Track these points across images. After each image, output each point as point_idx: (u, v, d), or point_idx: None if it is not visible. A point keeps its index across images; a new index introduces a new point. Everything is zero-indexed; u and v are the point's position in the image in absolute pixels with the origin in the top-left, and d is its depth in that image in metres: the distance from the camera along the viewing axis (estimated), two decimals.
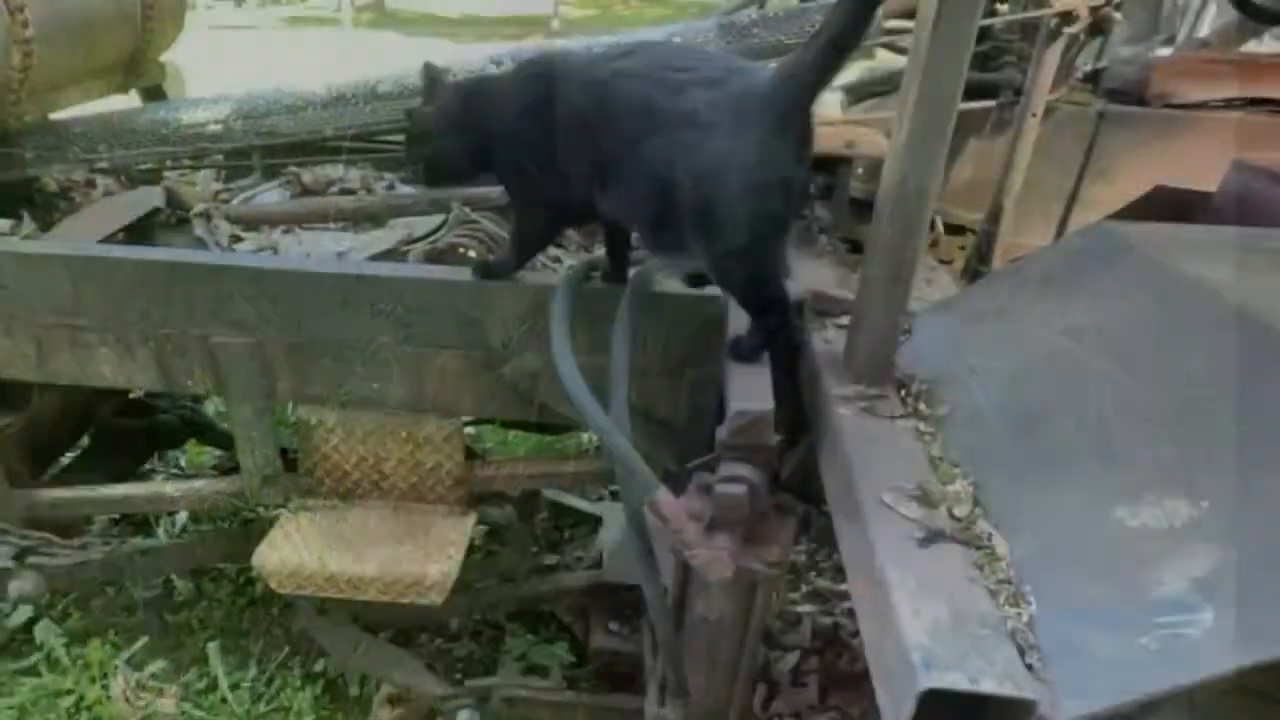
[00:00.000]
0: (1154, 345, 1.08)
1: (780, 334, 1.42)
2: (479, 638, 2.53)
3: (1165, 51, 2.33)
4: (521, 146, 1.45)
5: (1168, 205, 1.37)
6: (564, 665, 2.39)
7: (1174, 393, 1.00)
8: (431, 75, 1.53)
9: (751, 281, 1.35)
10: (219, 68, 4.60)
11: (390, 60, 2.07)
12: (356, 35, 14.53)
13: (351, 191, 2.23)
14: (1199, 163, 1.75)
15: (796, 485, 1.68)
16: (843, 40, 1.17)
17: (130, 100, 2.49)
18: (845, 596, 2.62)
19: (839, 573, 2.71)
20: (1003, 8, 1.96)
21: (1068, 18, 1.58)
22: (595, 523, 2.72)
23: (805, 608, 2.57)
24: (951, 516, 1.04)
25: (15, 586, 2.05)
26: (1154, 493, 0.92)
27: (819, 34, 1.19)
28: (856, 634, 2.43)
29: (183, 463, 3.17)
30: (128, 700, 2.28)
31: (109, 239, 2.01)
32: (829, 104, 1.89)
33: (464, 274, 1.75)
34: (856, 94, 2.15)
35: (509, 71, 1.54)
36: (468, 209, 2.02)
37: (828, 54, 1.17)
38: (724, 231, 1.27)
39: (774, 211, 1.27)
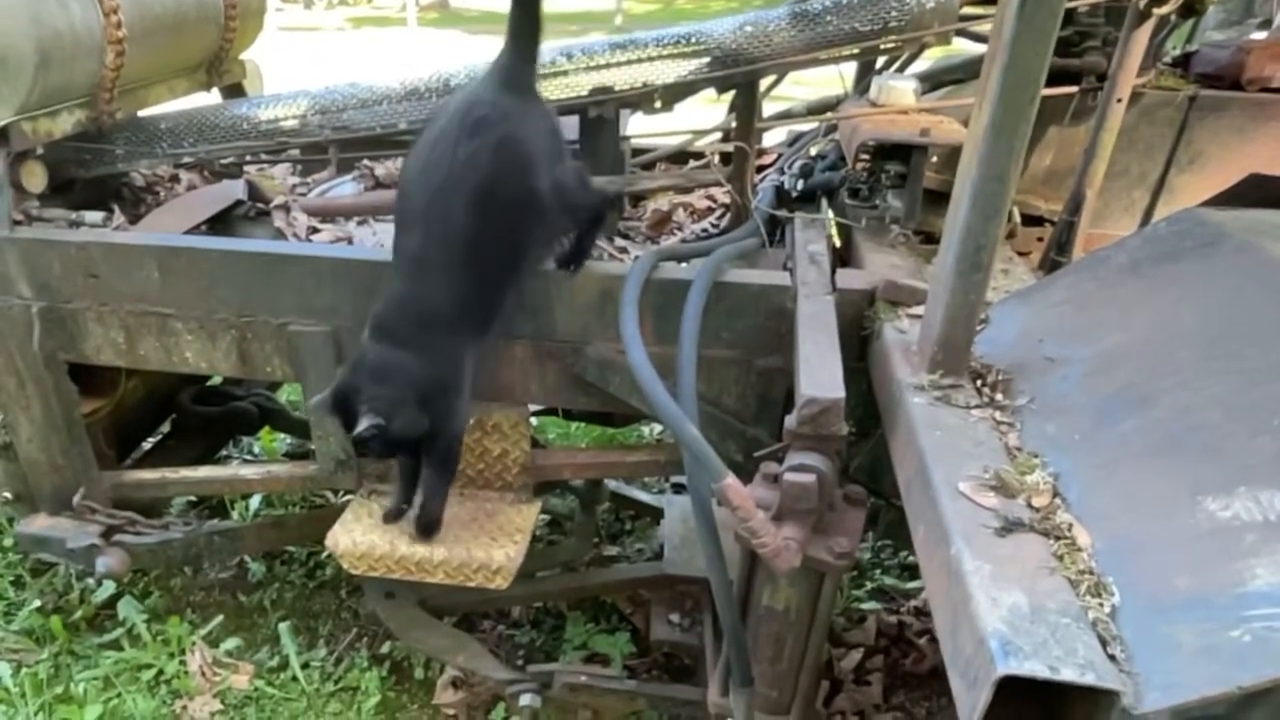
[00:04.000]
0: (1249, 335, 1.04)
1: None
2: (540, 626, 2.56)
3: (1260, 35, 2.23)
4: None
5: (1262, 194, 1.32)
6: (624, 655, 2.40)
7: (1271, 384, 0.96)
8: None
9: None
10: (290, 67, 4.73)
11: (455, 58, 2.10)
12: (421, 34, 14.78)
13: None
14: None
15: (865, 479, 1.66)
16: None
17: (212, 97, 2.58)
18: (911, 595, 2.59)
19: (905, 571, 2.67)
20: None
21: None
22: (657, 515, 2.72)
23: (870, 605, 2.54)
24: (1030, 506, 1.02)
25: (102, 563, 2.14)
26: (1248, 485, 0.89)
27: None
28: (922, 633, 2.40)
29: (257, 449, 3.27)
30: (204, 675, 2.37)
31: (193, 230, 2.08)
32: (903, 92, 1.86)
33: None
34: (932, 82, 2.12)
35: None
36: None
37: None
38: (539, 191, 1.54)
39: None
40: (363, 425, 1.49)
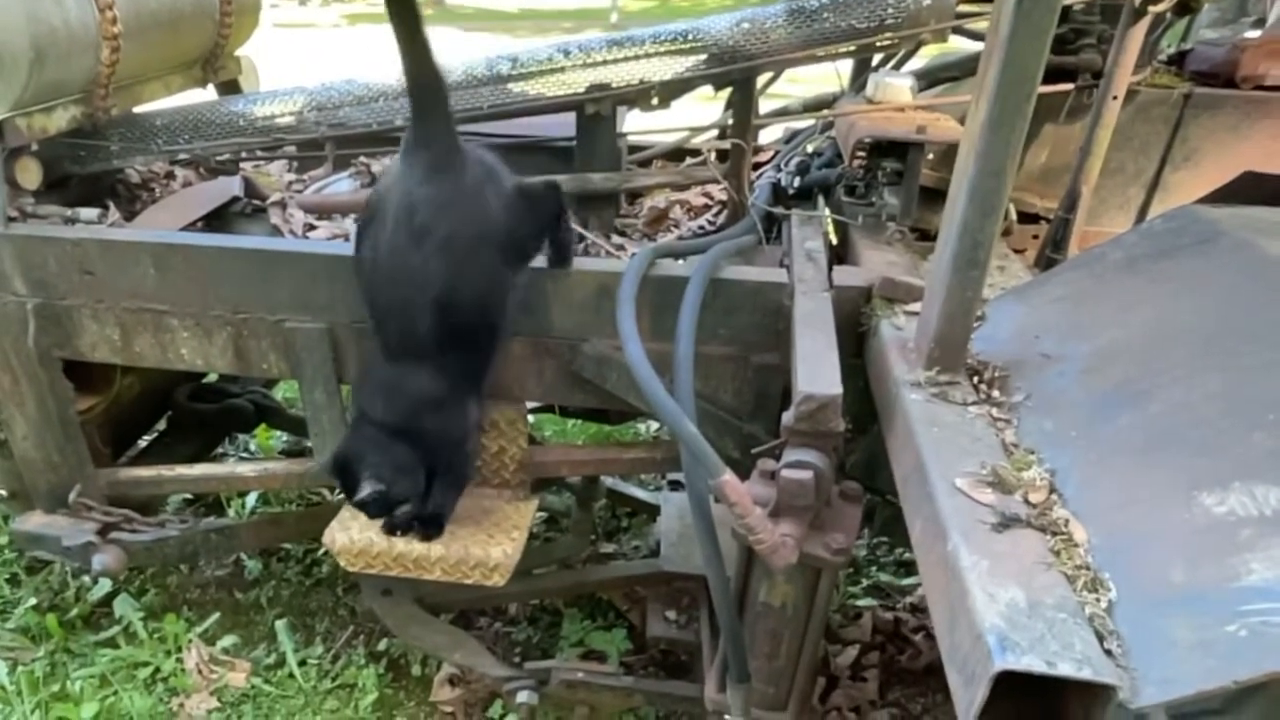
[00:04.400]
0: (1245, 331, 1.05)
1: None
2: (537, 623, 2.56)
3: (1255, 33, 2.24)
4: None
5: (1257, 191, 1.32)
6: (621, 652, 2.41)
7: (1267, 379, 0.97)
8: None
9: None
10: (285, 64, 4.71)
11: (450, 55, 2.10)
12: None
13: None
14: None
15: (861, 476, 1.67)
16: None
17: (208, 94, 2.57)
18: (907, 592, 2.60)
19: (901, 567, 2.68)
20: None
21: None
22: (653, 513, 2.73)
23: (866, 602, 2.55)
24: (1027, 502, 1.02)
25: (98, 560, 2.13)
26: (1244, 480, 0.89)
27: None
28: (918, 630, 2.41)
29: (252, 446, 3.27)
30: (201, 673, 2.37)
31: (189, 227, 2.08)
32: (900, 89, 1.86)
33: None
34: (928, 79, 2.12)
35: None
36: None
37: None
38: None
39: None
40: (365, 491, 1.58)
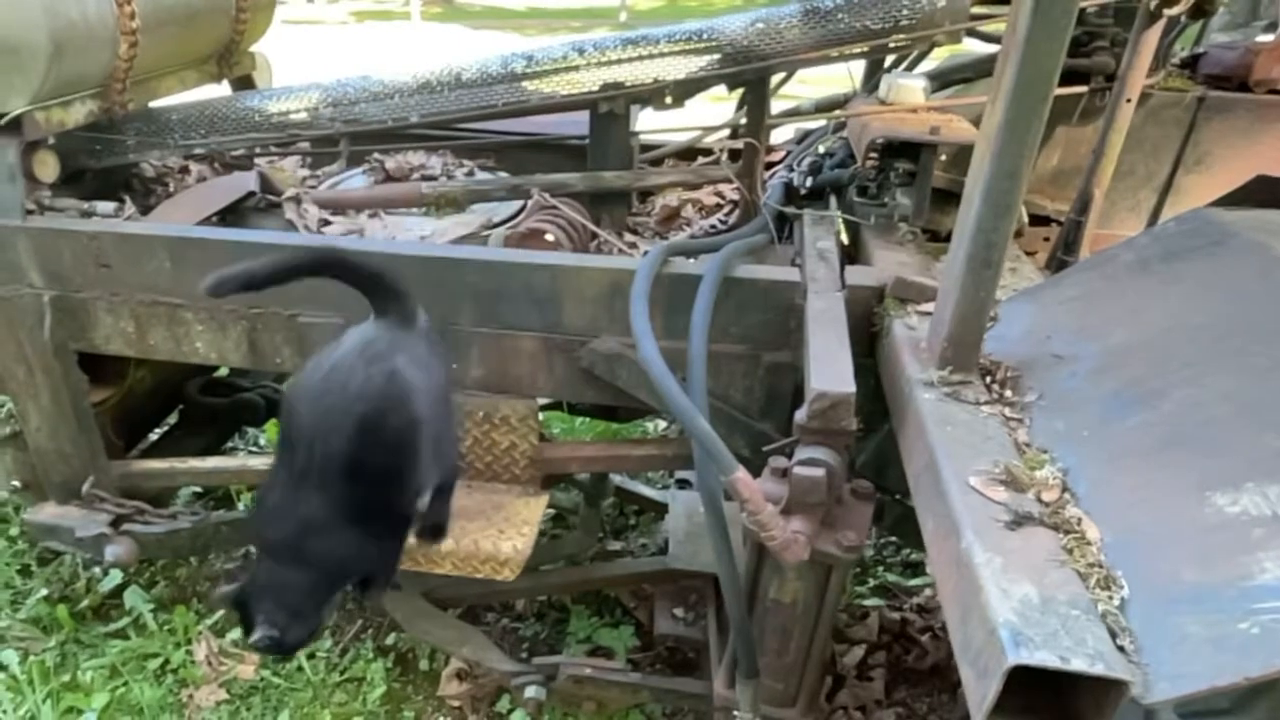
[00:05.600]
0: (1257, 332, 1.05)
1: None
2: (544, 619, 2.57)
3: (1267, 37, 2.24)
4: None
5: (1269, 195, 1.33)
6: (628, 649, 2.42)
7: (1279, 380, 0.98)
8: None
9: None
10: (293, 61, 4.73)
11: (459, 52, 2.11)
12: (424, 29, 14.77)
13: (433, 177, 2.29)
14: None
15: (870, 475, 1.67)
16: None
17: (222, 89, 2.59)
18: (913, 592, 2.60)
19: (908, 568, 2.69)
20: None
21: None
22: (661, 510, 2.74)
23: (873, 602, 2.56)
24: (1040, 501, 1.03)
25: (110, 551, 2.15)
26: (1257, 480, 0.90)
27: None
28: (924, 630, 2.42)
29: (262, 441, 3.28)
30: (210, 665, 2.38)
31: (204, 222, 2.09)
32: (913, 90, 1.87)
33: (543, 257, 1.78)
34: (941, 81, 2.12)
35: None
36: (547, 195, 2.05)
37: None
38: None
39: None
40: (258, 635, 1.56)
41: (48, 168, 2.00)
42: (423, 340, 1.59)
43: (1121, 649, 0.84)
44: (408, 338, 1.55)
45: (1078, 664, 0.81)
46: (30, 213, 1.93)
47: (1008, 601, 0.88)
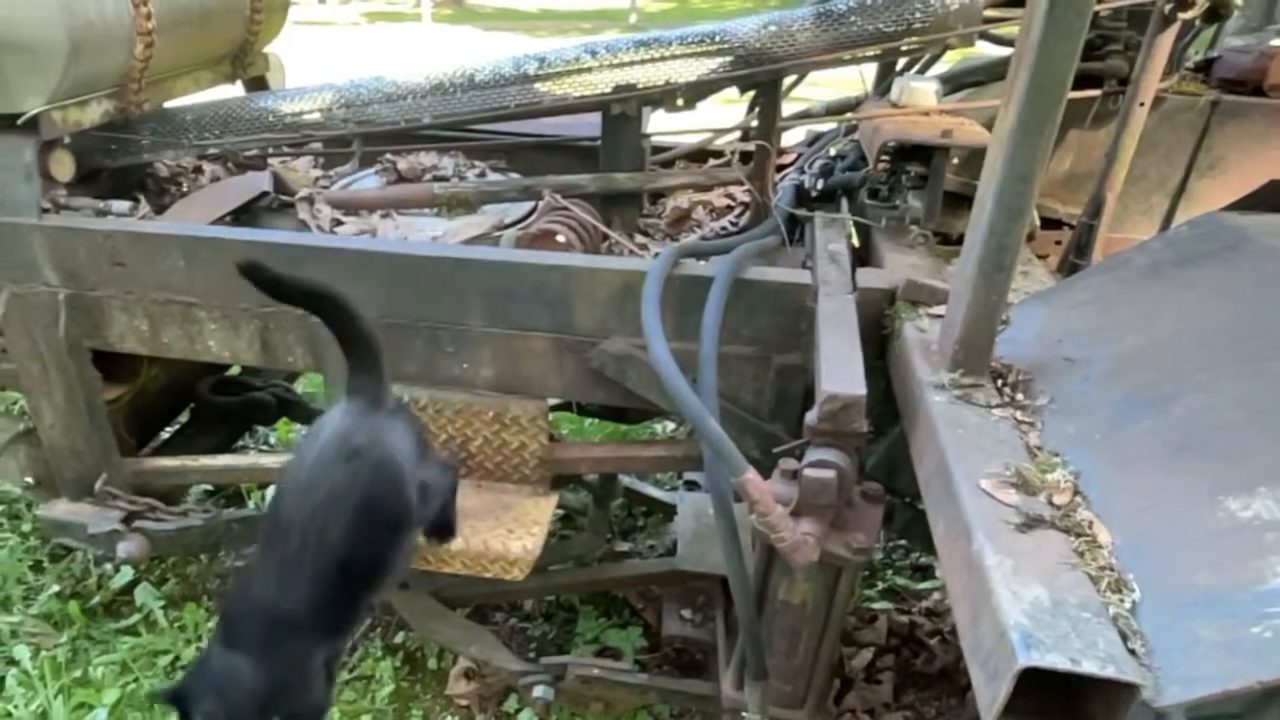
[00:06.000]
0: (1271, 337, 1.05)
1: None
2: (552, 619, 2.58)
3: None
4: None
5: None
6: (636, 650, 2.42)
7: None
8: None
9: None
10: (304, 62, 4.75)
11: (470, 54, 2.12)
12: (435, 30, 14.82)
13: (445, 178, 2.30)
14: None
15: (880, 478, 1.67)
16: None
17: (235, 90, 2.60)
18: (922, 596, 2.60)
19: (916, 571, 2.68)
20: None
21: (1183, 3, 1.53)
22: (670, 512, 2.74)
23: (881, 605, 2.55)
24: (1051, 504, 1.03)
25: (123, 548, 2.16)
26: (1269, 484, 0.90)
27: None
28: (933, 634, 2.41)
29: (273, 439, 3.30)
30: None
31: (218, 221, 2.11)
32: (925, 93, 1.87)
33: (554, 258, 1.79)
34: (953, 84, 2.12)
35: None
36: (558, 196, 2.06)
37: None
38: None
39: None
40: None
41: (64, 167, 2.01)
42: (394, 417, 1.61)
43: (1133, 652, 0.84)
44: (379, 420, 1.56)
45: (1089, 666, 0.81)
46: (46, 211, 1.94)
47: (1018, 603, 0.88)
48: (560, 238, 1.95)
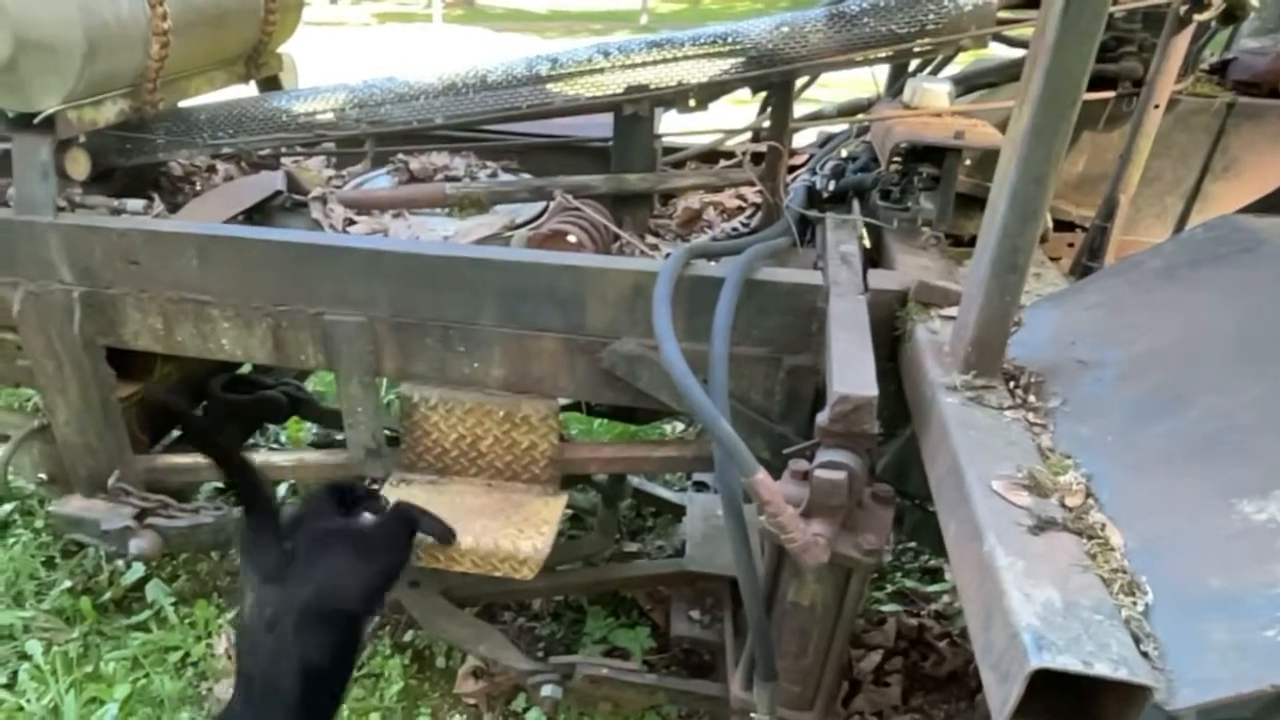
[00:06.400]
0: None
1: None
2: (561, 619, 2.58)
3: None
4: None
5: None
6: (644, 650, 2.42)
7: None
8: None
9: None
10: (314, 62, 4.77)
11: (481, 54, 2.13)
12: (446, 31, 14.85)
13: (457, 178, 2.31)
14: None
15: (891, 479, 1.67)
16: None
17: (249, 90, 2.61)
18: (931, 599, 2.59)
19: (926, 574, 2.68)
20: None
21: (1199, 4, 1.53)
22: (678, 513, 2.74)
23: (890, 608, 2.55)
24: (1063, 506, 1.03)
25: (135, 544, 2.17)
26: None
27: None
28: (942, 637, 2.41)
29: (283, 438, 3.31)
30: (230, 658, 2.40)
31: (231, 220, 2.12)
32: (937, 95, 1.87)
33: (566, 258, 1.79)
34: (965, 85, 2.12)
35: None
36: (570, 196, 2.06)
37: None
38: None
39: None
40: None
41: (79, 165, 2.03)
42: (306, 550, 1.73)
43: (1145, 654, 0.84)
44: (285, 581, 1.69)
45: (1101, 668, 0.81)
46: (61, 210, 1.96)
47: (1030, 605, 0.88)
48: (571, 238, 1.95)
